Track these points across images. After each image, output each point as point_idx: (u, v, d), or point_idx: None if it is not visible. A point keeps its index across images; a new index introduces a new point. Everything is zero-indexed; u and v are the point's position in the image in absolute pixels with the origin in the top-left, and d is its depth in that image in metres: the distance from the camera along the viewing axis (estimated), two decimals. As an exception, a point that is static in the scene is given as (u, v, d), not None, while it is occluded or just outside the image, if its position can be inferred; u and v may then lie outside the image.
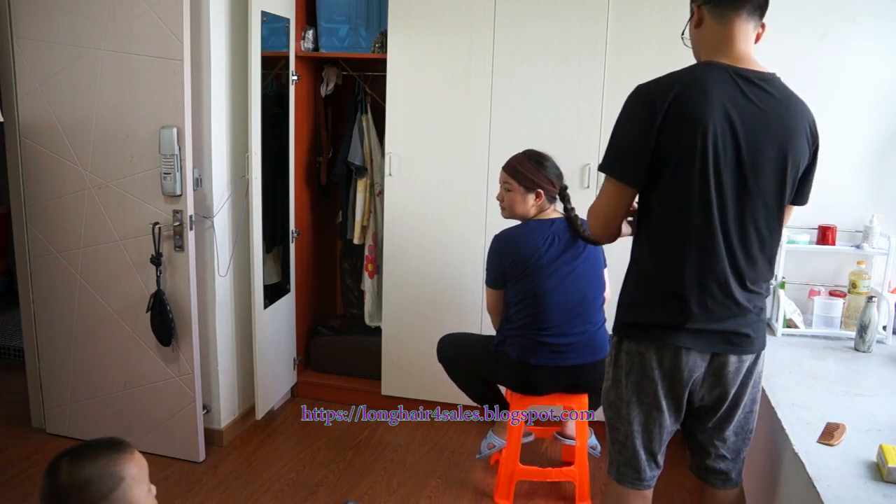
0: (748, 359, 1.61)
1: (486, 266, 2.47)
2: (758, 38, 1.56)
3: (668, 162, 1.48)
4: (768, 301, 1.82)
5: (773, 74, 1.53)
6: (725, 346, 1.57)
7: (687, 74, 1.51)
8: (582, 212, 2.54)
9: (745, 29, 1.52)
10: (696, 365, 1.57)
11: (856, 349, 2.37)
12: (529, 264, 2.33)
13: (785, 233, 2.20)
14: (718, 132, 1.45)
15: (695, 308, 1.53)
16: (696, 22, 1.56)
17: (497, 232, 2.44)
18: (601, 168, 1.59)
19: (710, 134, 1.44)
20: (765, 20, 1.55)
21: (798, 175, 1.57)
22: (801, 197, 1.64)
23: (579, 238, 2.33)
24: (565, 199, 2.40)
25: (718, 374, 1.59)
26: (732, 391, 1.61)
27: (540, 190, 2.37)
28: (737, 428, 1.68)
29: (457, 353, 2.64)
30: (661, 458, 1.69)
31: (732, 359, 1.58)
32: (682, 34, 1.64)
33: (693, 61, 1.61)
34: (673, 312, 1.55)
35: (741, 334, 1.57)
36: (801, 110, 1.54)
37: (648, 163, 1.50)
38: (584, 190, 2.83)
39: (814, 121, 1.58)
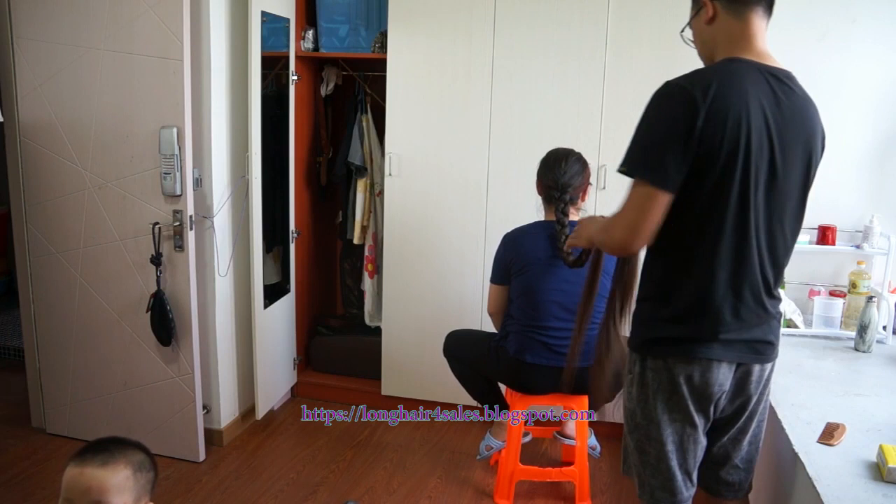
0: (768, 367, 1.57)
1: (492, 263, 2.49)
2: None
3: (710, 163, 1.38)
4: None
5: (791, 72, 1.49)
6: (751, 356, 1.52)
7: (722, 70, 1.43)
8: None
9: (761, 25, 1.47)
10: (724, 377, 1.51)
11: (856, 349, 2.37)
12: (529, 259, 2.35)
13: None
14: (756, 131, 1.39)
15: (728, 318, 1.47)
16: (709, 18, 1.49)
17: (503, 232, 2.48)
18: (630, 172, 1.44)
19: (754, 133, 1.39)
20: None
21: (814, 176, 1.53)
22: None
23: (560, 258, 2.24)
24: (557, 208, 2.32)
25: (742, 384, 1.54)
26: (753, 401, 1.57)
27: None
28: (752, 437, 1.63)
29: (461, 348, 2.64)
30: (695, 477, 1.61)
31: (756, 367, 1.54)
32: (682, 31, 1.57)
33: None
34: (703, 324, 1.48)
35: (765, 342, 1.53)
36: (815, 109, 1.51)
37: (690, 165, 1.38)
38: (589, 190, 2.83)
39: (822, 122, 1.54)
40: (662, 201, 1.41)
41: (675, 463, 1.57)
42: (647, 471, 1.61)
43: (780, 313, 1.58)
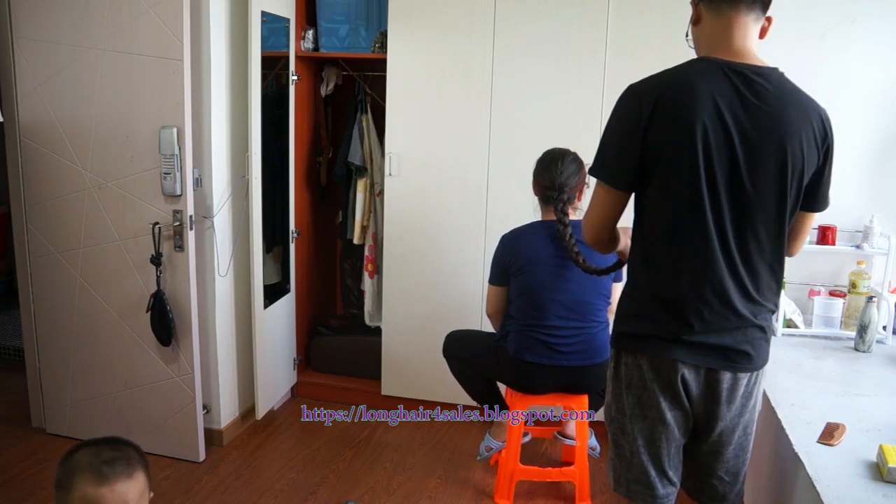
0: (745, 377, 1.52)
1: (490, 264, 2.49)
2: (763, 33, 1.49)
3: (657, 164, 1.42)
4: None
5: (774, 69, 1.45)
6: (720, 362, 1.49)
7: (676, 72, 1.45)
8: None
9: (744, 23, 1.44)
10: (692, 379, 1.50)
11: (856, 349, 2.37)
12: (528, 259, 2.36)
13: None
14: (710, 131, 1.38)
15: (692, 319, 1.46)
16: (695, 19, 1.51)
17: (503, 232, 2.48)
18: (590, 171, 1.54)
19: (699, 133, 1.38)
20: (770, 15, 1.49)
21: (803, 176, 1.46)
22: (816, 202, 1.54)
23: (571, 261, 2.18)
24: (556, 208, 2.30)
25: (712, 390, 1.51)
26: (728, 411, 1.53)
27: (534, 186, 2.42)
28: (736, 450, 1.59)
29: (460, 348, 2.65)
30: (673, 475, 1.59)
31: (727, 376, 1.50)
32: (686, 35, 1.58)
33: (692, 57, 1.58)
34: (669, 323, 1.48)
35: (740, 351, 1.49)
36: (803, 105, 1.45)
37: (636, 166, 1.44)
38: (585, 189, 2.83)
39: (825, 118, 1.48)
40: (616, 199, 1.51)
41: (646, 458, 1.57)
42: (621, 464, 1.62)
43: (763, 323, 1.52)
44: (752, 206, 1.43)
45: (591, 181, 2.81)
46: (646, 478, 1.58)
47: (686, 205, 1.42)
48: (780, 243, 1.49)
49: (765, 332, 1.53)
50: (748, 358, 1.51)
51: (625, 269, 1.84)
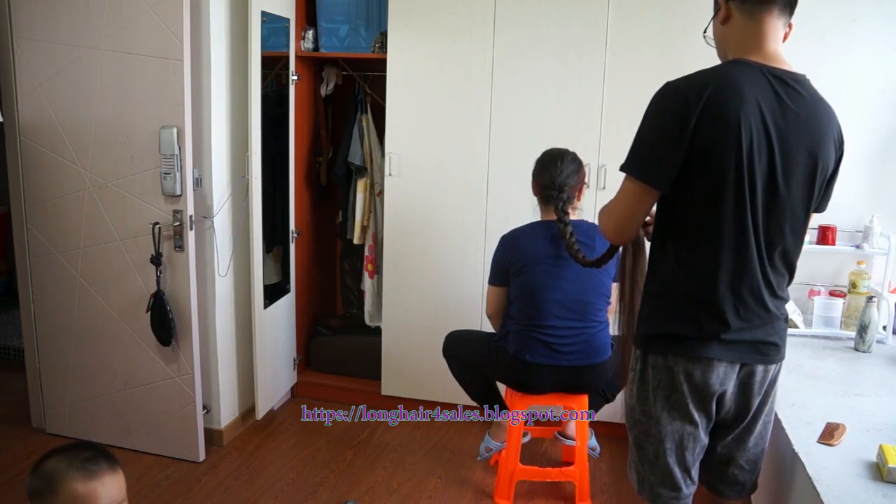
0: (773, 369, 1.57)
1: (490, 265, 2.49)
2: (785, 38, 1.49)
3: (702, 164, 1.41)
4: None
5: (804, 76, 1.47)
6: (754, 356, 1.52)
7: (720, 72, 1.43)
8: (585, 214, 2.57)
9: (776, 26, 1.45)
10: (726, 377, 1.52)
11: (856, 349, 2.37)
12: (528, 259, 2.36)
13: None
14: (754, 134, 1.39)
15: (731, 318, 1.47)
16: (724, 18, 1.49)
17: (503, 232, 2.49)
18: (623, 168, 1.49)
19: (745, 135, 1.38)
20: (791, 22, 1.49)
21: (825, 181, 1.51)
22: (821, 204, 1.58)
23: (572, 258, 2.18)
24: (556, 207, 2.31)
25: (745, 385, 1.54)
26: (756, 402, 1.57)
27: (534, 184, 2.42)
28: (757, 438, 1.62)
29: (460, 348, 2.65)
30: (695, 474, 1.61)
31: (759, 369, 1.54)
32: (705, 32, 1.57)
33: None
34: (705, 323, 1.48)
35: (769, 343, 1.53)
36: (829, 114, 1.49)
37: (679, 165, 1.41)
38: (585, 189, 2.83)
39: (840, 127, 1.51)
40: (649, 198, 1.49)
41: (672, 460, 1.57)
42: (645, 467, 1.62)
43: (785, 314, 1.56)
44: (783, 207, 1.46)
45: (591, 181, 2.82)
46: (671, 479, 1.59)
47: (729, 206, 1.43)
48: (801, 243, 1.54)
49: (786, 321, 1.58)
50: (776, 349, 1.55)
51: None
